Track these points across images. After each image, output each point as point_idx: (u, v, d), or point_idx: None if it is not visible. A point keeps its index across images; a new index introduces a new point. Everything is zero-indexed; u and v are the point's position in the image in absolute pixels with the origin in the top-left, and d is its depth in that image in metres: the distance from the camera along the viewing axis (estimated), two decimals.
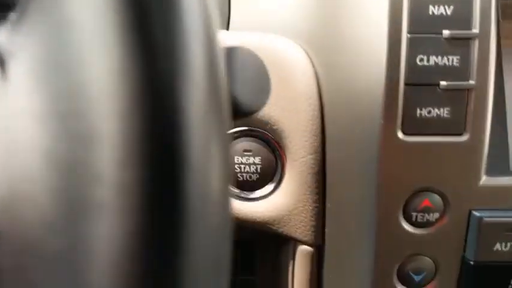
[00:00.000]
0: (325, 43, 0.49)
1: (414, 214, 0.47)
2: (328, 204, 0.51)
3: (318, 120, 0.50)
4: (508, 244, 0.47)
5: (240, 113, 0.38)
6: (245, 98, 0.38)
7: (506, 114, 0.47)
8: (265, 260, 0.62)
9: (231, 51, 0.39)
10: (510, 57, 0.46)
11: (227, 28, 0.55)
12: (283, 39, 0.50)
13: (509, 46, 0.47)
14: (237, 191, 0.54)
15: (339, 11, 0.48)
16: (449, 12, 0.43)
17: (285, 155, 0.52)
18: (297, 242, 0.54)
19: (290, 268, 0.56)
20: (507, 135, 0.48)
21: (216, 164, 0.23)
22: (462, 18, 0.43)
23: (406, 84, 0.44)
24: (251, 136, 0.53)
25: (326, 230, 0.52)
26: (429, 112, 0.44)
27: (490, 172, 0.46)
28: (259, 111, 0.46)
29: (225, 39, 0.50)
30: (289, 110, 0.50)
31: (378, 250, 0.48)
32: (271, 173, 0.54)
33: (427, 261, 0.48)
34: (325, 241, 0.53)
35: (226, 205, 0.24)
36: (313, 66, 0.50)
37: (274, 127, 0.52)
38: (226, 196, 0.24)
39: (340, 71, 0.48)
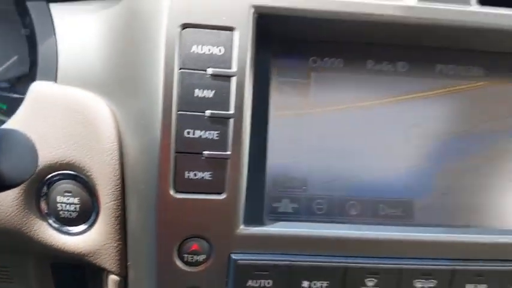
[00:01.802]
0: (125, 103, 0.54)
1: (186, 255, 0.52)
2: (129, 242, 0.56)
3: (118, 172, 0.54)
4: (259, 281, 0.53)
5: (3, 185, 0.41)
6: (10, 172, 0.41)
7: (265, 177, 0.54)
8: (95, 284, 0.66)
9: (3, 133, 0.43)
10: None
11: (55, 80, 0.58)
12: (86, 92, 0.55)
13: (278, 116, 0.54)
14: (59, 225, 0.58)
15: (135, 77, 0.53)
16: (211, 95, 0.49)
17: (98, 199, 0.57)
18: (108, 272, 0.59)
19: None
20: (263, 192, 0.54)
21: None
22: (221, 100, 0.49)
23: (176, 152, 0.50)
24: (74, 179, 0.58)
25: (128, 263, 0.57)
26: (195, 175, 0.50)
27: (247, 222, 0.52)
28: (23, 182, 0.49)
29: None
30: (97, 161, 0.55)
31: (160, 283, 0.53)
32: (88, 212, 0.58)
33: None
34: (128, 272, 0.57)
35: None
36: (116, 120, 0.54)
37: (88, 174, 0.56)
38: None
39: (136, 130, 0.53)
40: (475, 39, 0.57)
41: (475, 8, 0.54)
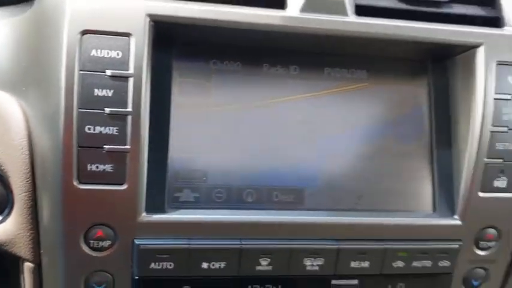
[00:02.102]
0: (34, 102, 0.58)
1: (92, 241, 0.56)
2: (41, 231, 0.60)
3: (29, 166, 0.58)
4: (161, 264, 0.58)
5: None
6: None
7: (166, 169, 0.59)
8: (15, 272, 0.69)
9: None
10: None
11: None
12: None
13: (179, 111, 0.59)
14: None
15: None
16: (110, 94, 0.54)
17: (12, 191, 0.60)
18: (24, 259, 0.62)
19: (22, 278, 0.64)
20: (165, 183, 0.59)
21: None
22: (119, 99, 0.54)
23: (79, 146, 0.54)
24: None
25: (41, 251, 0.60)
26: (97, 167, 0.54)
27: (149, 211, 0.57)
28: None
29: None
30: (10, 156, 0.59)
31: (67, 267, 0.57)
32: (3, 204, 0.61)
33: (106, 277, 0.58)
34: (42, 259, 0.61)
35: None
36: (26, 117, 0.58)
37: (2, 168, 0.59)
38: None
39: (44, 127, 0.56)
40: (356, 46, 0.64)
41: (352, 18, 0.60)
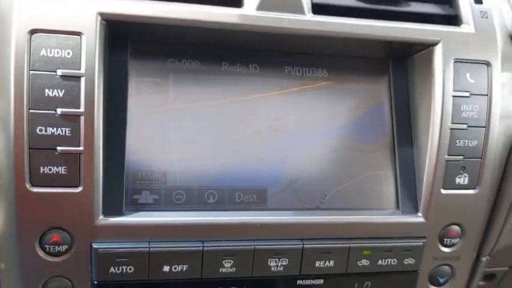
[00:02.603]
0: None
1: (47, 246, 0.54)
2: None
3: None
4: (120, 268, 0.55)
5: None
6: None
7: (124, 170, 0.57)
8: None
9: None
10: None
11: None
12: None
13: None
14: None
15: None
16: (61, 95, 0.52)
17: None
18: None
19: None
20: (122, 185, 0.57)
21: None
22: (71, 99, 0.52)
23: (30, 148, 0.52)
24: None
25: None
26: (50, 170, 0.52)
27: (106, 213, 0.55)
28: None
29: None
30: None
31: (24, 273, 0.55)
32: None
33: (65, 282, 0.56)
34: None
35: None
36: None
37: None
38: None
39: None
40: (314, 44, 0.63)
41: (309, 17, 0.59)
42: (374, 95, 0.67)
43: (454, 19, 0.66)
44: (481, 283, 0.80)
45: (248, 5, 0.58)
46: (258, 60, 0.63)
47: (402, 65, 0.68)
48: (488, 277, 0.80)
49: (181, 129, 0.60)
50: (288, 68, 0.64)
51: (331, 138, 0.65)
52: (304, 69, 0.65)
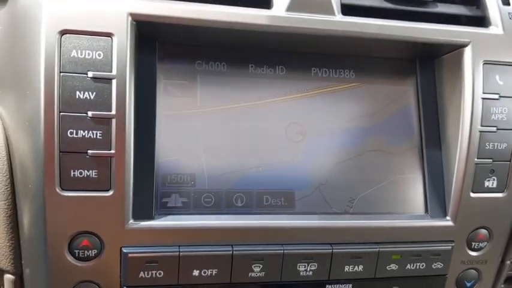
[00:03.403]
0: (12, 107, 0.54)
1: (76, 251, 0.53)
2: (22, 241, 0.56)
3: (7, 172, 0.54)
4: (150, 273, 0.54)
5: None
6: None
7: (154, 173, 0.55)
8: None
9: None
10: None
11: None
12: None
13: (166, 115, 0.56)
14: None
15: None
16: (92, 97, 0.50)
17: None
18: (3, 271, 0.58)
19: None
20: (152, 188, 0.55)
21: None
22: (103, 102, 0.51)
23: (61, 151, 0.50)
24: None
25: (22, 261, 0.56)
26: (81, 173, 0.51)
27: (136, 217, 0.54)
28: None
29: None
30: None
31: (51, 278, 0.53)
32: None
33: (94, 287, 0.54)
34: (23, 270, 0.57)
35: None
36: (3, 121, 0.54)
37: None
38: None
39: (23, 132, 0.53)
40: (343, 45, 0.61)
41: (339, 18, 0.58)
42: (401, 96, 0.66)
43: (482, 20, 0.65)
44: (502, 286, 0.79)
45: (277, 6, 0.57)
46: (285, 62, 0.62)
47: (429, 66, 0.67)
48: (509, 280, 0.79)
49: (208, 131, 0.59)
50: (314, 70, 0.63)
51: (358, 140, 0.64)
52: (330, 71, 0.64)
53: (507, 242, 0.70)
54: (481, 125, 0.61)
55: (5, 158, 0.54)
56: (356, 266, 0.60)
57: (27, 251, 0.56)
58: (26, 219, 0.54)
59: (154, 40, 0.57)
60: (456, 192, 0.62)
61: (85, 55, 0.50)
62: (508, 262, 0.73)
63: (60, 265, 0.53)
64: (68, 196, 0.51)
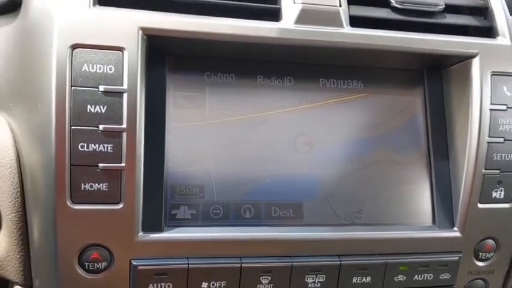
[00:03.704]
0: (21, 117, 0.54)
1: (86, 264, 0.53)
2: (32, 253, 0.56)
3: (17, 185, 0.54)
4: (159, 285, 0.54)
5: None
6: None
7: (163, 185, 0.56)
8: None
9: None
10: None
11: None
12: None
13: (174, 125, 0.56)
14: None
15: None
16: (103, 111, 0.51)
17: (0, 212, 0.56)
18: (13, 283, 0.58)
19: None
20: (162, 200, 0.55)
21: None
22: (114, 115, 0.51)
23: (72, 165, 0.50)
24: None
25: (32, 273, 0.57)
26: (91, 186, 0.51)
27: (146, 230, 0.54)
28: None
29: None
30: None
31: None
32: None
33: None
34: (33, 283, 0.57)
35: None
36: (14, 134, 0.54)
37: None
38: None
39: (34, 145, 0.53)
40: (351, 57, 0.62)
41: (348, 30, 0.58)
42: (409, 106, 0.66)
43: (489, 31, 0.65)
44: None
45: (286, 18, 0.57)
46: (293, 73, 0.62)
47: (437, 76, 0.67)
48: None
49: (217, 143, 0.59)
50: (322, 80, 0.63)
51: (366, 151, 0.64)
52: (339, 81, 0.64)
53: None
54: (489, 136, 0.61)
55: (16, 171, 0.54)
56: (364, 278, 0.60)
57: (37, 263, 0.56)
58: (36, 232, 0.55)
59: (164, 53, 0.57)
60: (464, 203, 0.62)
61: (96, 69, 0.50)
62: None
63: (70, 277, 0.53)
64: (78, 209, 0.51)
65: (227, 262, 0.56)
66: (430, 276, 0.63)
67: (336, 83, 0.64)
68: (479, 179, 0.62)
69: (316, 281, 0.59)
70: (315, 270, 0.59)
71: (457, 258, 0.63)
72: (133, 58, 0.51)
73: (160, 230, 0.55)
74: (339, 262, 0.59)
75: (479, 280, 0.67)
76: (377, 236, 0.61)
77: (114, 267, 0.54)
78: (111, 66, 0.51)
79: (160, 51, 0.57)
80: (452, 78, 0.65)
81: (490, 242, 0.65)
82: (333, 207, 0.62)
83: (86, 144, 0.51)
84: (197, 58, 0.59)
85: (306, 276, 0.59)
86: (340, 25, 0.58)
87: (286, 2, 0.57)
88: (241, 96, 0.60)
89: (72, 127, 0.50)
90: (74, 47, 0.50)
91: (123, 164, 0.51)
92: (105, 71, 0.50)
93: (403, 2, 0.61)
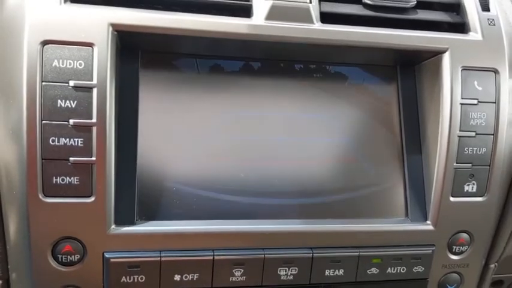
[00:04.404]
0: None
1: (60, 256, 0.54)
2: (8, 246, 0.57)
3: None
4: (132, 277, 0.55)
5: None
6: None
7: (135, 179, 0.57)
8: None
9: None
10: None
11: None
12: None
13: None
14: None
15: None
16: (73, 106, 0.52)
17: None
18: None
19: None
20: (134, 194, 0.56)
21: None
22: (84, 110, 0.52)
23: (43, 159, 0.52)
24: None
25: (9, 266, 0.58)
26: (63, 180, 0.52)
27: (118, 223, 0.55)
28: None
29: None
30: None
31: (35, 283, 0.55)
32: None
33: None
34: (10, 275, 0.58)
35: None
36: None
37: None
38: None
39: (7, 139, 0.54)
40: (323, 53, 0.63)
41: (318, 26, 0.59)
42: (382, 102, 0.67)
43: (461, 27, 0.66)
44: None
45: (257, 15, 0.58)
46: (266, 69, 0.63)
47: (410, 72, 0.68)
48: (496, 283, 0.80)
49: (190, 138, 0.60)
50: (295, 77, 0.64)
51: (339, 146, 0.65)
52: (311, 78, 0.65)
53: (490, 246, 0.71)
54: (460, 130, 0.62)
55: None
56: (337, 270, 0.61)
57: (13, 256, 0.57)
58: (11, 225, 0.56)
59: (137, 49, 0.59)
60: (436, 197, 0.63)
61: (66, 65, 0.52)
62: (492, 265, 0.74)
63: (44, 270, 0.54)
64: (50, 202, 0.52)
65: (199, 255, 0.57)
66: (403, 269, 0.63)
67: (308, 79, 0.65)
68: (450, 173, 0.63)
69: (289, 273, 0.60)
70: (288, 262, 0.60)
71: (430, 251, 0.64)
72: (103, 54, 0.52)
73: (132, 223, 0.56)
74: (311, 254, 0.60)
75: (454, 274, 0.68)
76: (349, 228, 0.62)
77: (87, 259, 0.55)
78: (81, 62, 0.52)
79: (134, 47, 0.58)
80: (424, 73, 0.66)
81: (464, 235, 0.66)
82: (306, 201, 0.63)
83: (57, 139, 0.52)
84: (170, 54, 0.60)
85: (279, 268, 0.60)
86: (311, 21, 0.59)
87: None
88: (214, 91, 0.62)
89: (43, 122, 0.51)
90: (45, 43, 0.51)
91: (93, 158, 0.53)
92: (75, 67, 0.52)
93: None
